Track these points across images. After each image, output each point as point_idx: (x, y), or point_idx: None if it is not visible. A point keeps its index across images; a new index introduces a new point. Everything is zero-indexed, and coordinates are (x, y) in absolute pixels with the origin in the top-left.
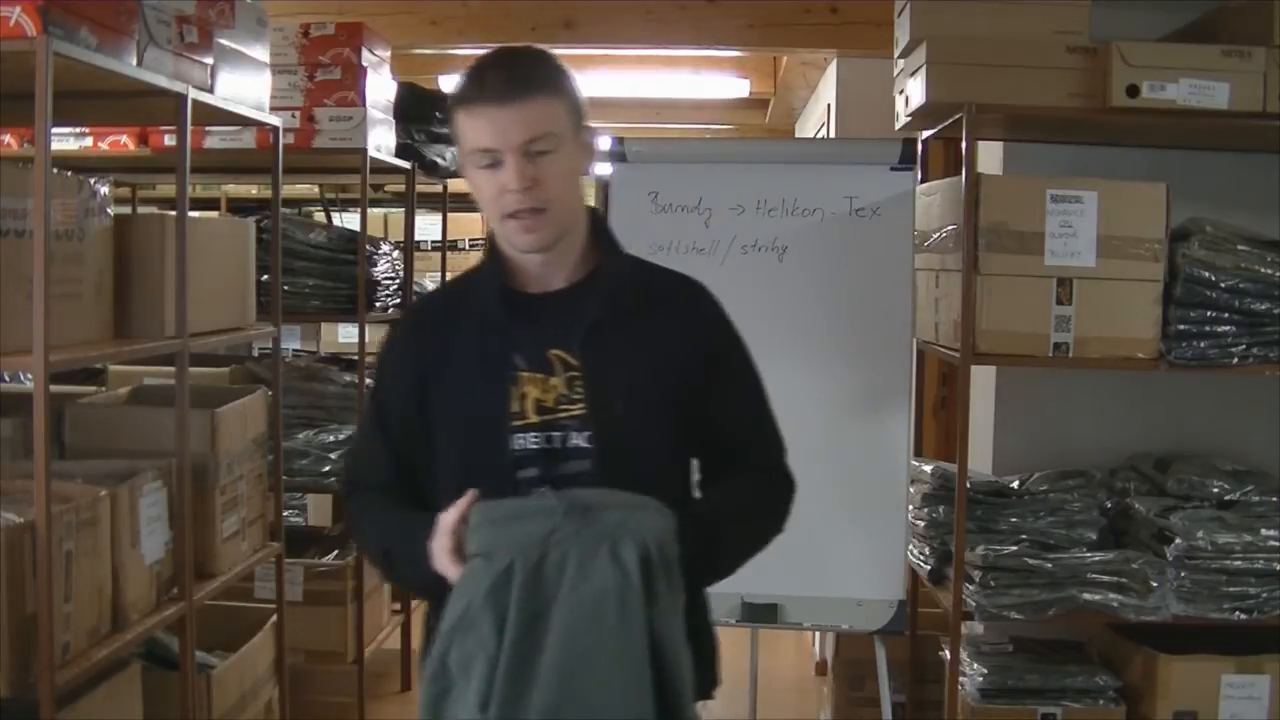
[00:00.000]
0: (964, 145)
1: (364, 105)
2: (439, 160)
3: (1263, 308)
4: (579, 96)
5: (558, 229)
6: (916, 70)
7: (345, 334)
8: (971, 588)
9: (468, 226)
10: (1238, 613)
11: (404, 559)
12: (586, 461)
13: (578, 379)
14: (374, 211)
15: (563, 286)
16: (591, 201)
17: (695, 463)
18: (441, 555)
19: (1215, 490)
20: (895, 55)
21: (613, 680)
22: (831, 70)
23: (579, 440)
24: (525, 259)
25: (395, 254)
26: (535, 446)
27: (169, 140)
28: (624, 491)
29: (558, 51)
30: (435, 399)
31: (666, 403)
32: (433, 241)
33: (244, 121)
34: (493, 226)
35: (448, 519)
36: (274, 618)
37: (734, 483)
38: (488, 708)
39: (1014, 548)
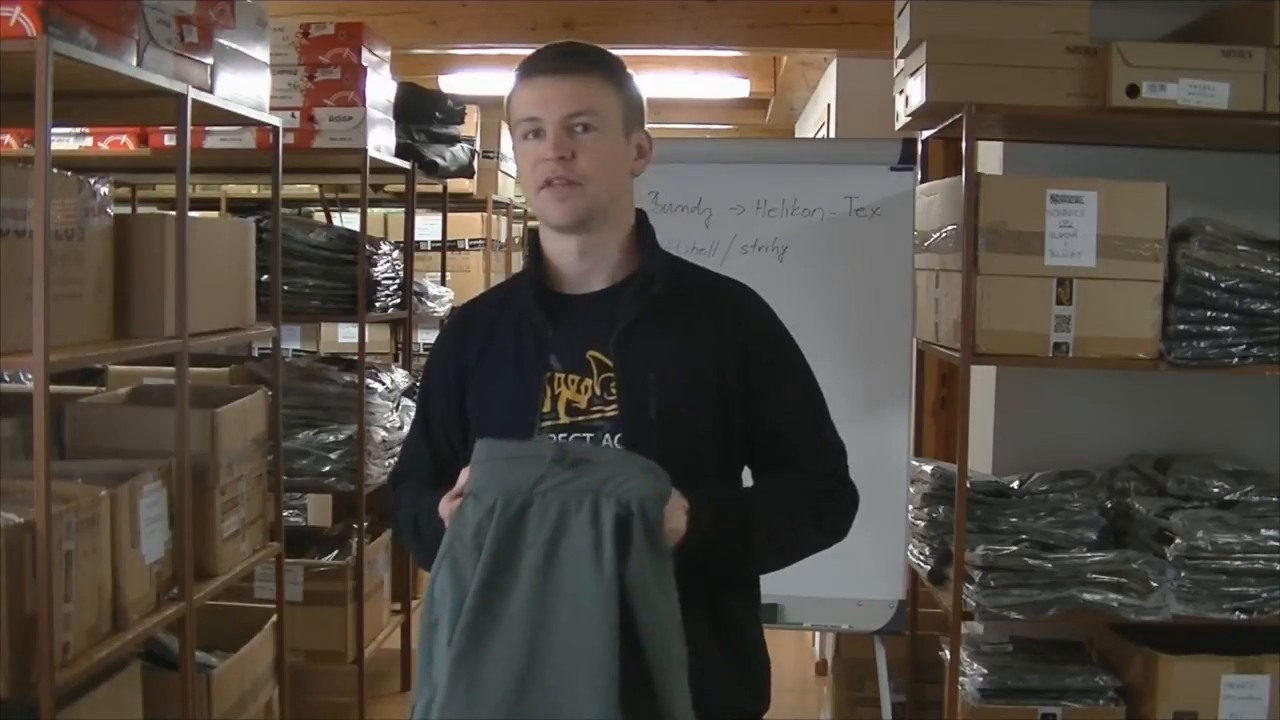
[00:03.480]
0: (964, 145)
1: (364, 105)
2: (439, 160)
3: (1263, 308)
4: (637, 97)
5: (590, 208)
6: (916, 70)
7: (345, 334)
8: (971, 588)
9: (467, 226)
10: (1238, 613)
11: (427, 522)
12: None
13: (613, 380)
14: (374, 211)
15: (602, 288)
16: None
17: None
18: (446, 499)
19: (1215, 490)
20: (895, 55)
21: (574, 638)
22: (831, 70)
23: (612, 443)
24: (564, 258)
25: (395, 254)
26: None
27: (169, 140)
28: (626, 451)
29: None
30: (471, 398)
31: (704, 406)
32: (433, 241)
33: (244, 121)
34: (531, 206)
35: (466, 470)
36: (274, 618)
37: (775, 479)
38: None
39: (1014, 548)
